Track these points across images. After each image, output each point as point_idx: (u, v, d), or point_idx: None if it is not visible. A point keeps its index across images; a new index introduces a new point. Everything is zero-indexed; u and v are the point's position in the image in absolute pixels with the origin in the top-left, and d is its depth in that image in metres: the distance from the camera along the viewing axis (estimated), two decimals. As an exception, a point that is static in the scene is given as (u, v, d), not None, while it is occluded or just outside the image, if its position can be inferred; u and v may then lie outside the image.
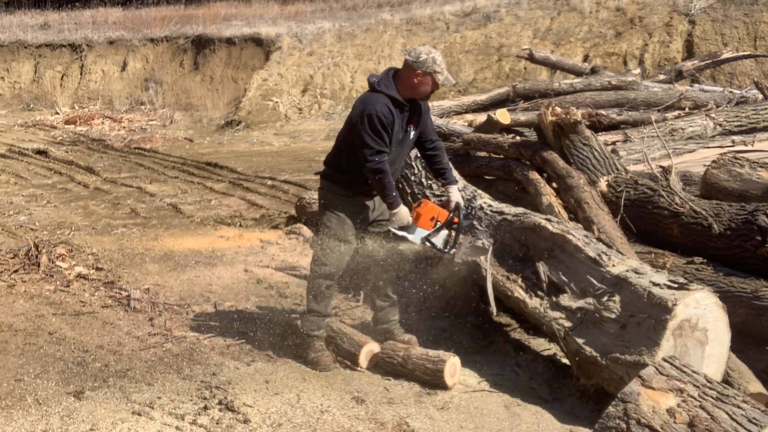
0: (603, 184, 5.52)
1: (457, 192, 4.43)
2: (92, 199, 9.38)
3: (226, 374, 4.20)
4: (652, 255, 4.73)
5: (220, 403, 3.78)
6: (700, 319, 3.57)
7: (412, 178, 5.49)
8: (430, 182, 5.38)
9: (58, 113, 18.16)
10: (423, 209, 4.28)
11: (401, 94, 4.13)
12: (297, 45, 18.62)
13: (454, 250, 4.33)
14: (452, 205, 4.36)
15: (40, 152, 12.89)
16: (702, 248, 4.63)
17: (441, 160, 4.46)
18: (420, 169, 5.49)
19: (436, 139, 4.47)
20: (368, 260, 4.58)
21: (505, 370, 4.41)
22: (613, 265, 3.97)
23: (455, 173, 4.75)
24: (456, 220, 4.31)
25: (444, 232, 4.30)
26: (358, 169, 4.16)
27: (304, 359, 4.39)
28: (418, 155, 5.57)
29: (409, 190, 5.51)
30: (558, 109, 5.87)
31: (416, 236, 4.24)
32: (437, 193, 5.27)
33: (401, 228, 4.23)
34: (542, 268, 4.32)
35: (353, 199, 4.29)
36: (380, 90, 4.11)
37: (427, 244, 4.27)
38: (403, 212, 4.20)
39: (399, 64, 4.30)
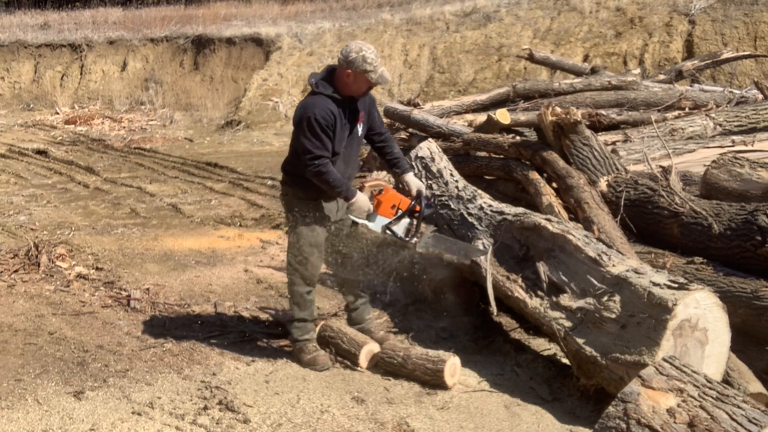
0: (603, 184, 5.52)
1: (415, 179, 4.35)
2: (92, 199, 9.37)
3: (226, 374, 4.20)
4: (652, 255, 4.73)
5: (220, 403, 3.78)
6: (700, 319, 3.57)
7: (412, 178, 5.48)
8: (430, 182, 5.37)
9: (58, 113, 18.15)
10: (384, 197, 4.17)
11: (340, 92, 4.05)
12: (297, 45, 18.62)
13: (415, 239, 4.22)
14: (414, 192, 4.26)
15: (40, 152, 12.88)
16: (702, 248, 4.63)
17: (392, 150, 4.37)
18: (420, 169, 5.48)
19: (385, 131, 4.40)
20: (336, 259, 4.53)
21: (505, 370, 4.41)
22: (613, 265, 3.97)
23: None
24: (418, 208, 4.20)
25: (405, 221, 4.20)
26: None
27: (301, 363, 4.38)
28: (418, 155, 5.57)
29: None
30: (558, 109, 5.86)
31: (377, 224, 4.14)
32: (437, 193, 5.27)
33: (361, 217, 4.15)
34: (542, 268, 4.32)
35: (317, 202, 4.23)
36: (319, 92, 4.05)
37: (388, 232, 4.17)
38: (361, 200, 4.11)
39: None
